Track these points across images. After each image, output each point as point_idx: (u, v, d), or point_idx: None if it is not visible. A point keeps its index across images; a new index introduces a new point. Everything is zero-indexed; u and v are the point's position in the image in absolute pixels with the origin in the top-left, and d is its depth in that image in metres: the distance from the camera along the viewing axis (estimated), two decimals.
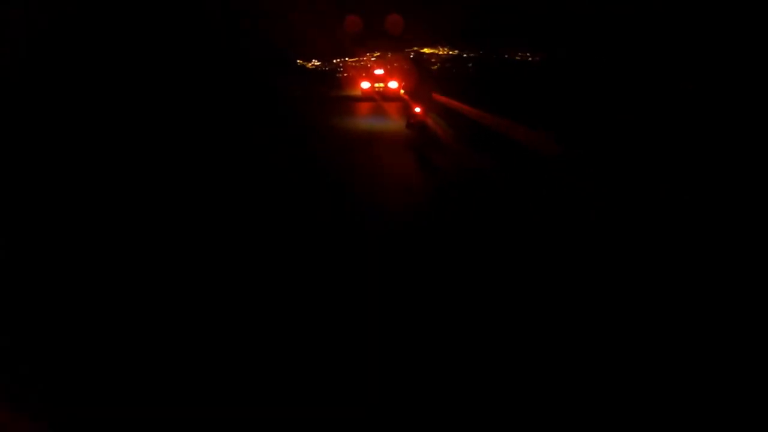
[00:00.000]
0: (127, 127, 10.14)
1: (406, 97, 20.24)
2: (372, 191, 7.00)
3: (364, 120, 16.27)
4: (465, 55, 43.64)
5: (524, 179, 7.31)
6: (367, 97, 22.56)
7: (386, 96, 21.88)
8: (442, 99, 19.01)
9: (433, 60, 43.47)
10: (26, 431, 2.24)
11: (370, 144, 11.08)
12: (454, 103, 17.47)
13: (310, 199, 6.58)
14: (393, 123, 11.89)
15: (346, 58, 37.98)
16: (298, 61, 34.32)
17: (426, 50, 43.20)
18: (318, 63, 36.46)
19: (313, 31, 33.90)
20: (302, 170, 7.91)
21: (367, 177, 7.78)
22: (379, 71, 25.89)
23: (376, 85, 23.34)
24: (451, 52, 43.36)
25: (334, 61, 37.42)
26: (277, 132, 11.76)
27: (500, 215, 5.84)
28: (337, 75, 33.77)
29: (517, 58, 43.89)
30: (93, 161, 7.55)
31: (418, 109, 9.48)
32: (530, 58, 43.46)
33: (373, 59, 41.07)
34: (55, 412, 2.34)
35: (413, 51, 41.92)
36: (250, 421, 2.37)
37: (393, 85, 23.04)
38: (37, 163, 7.19)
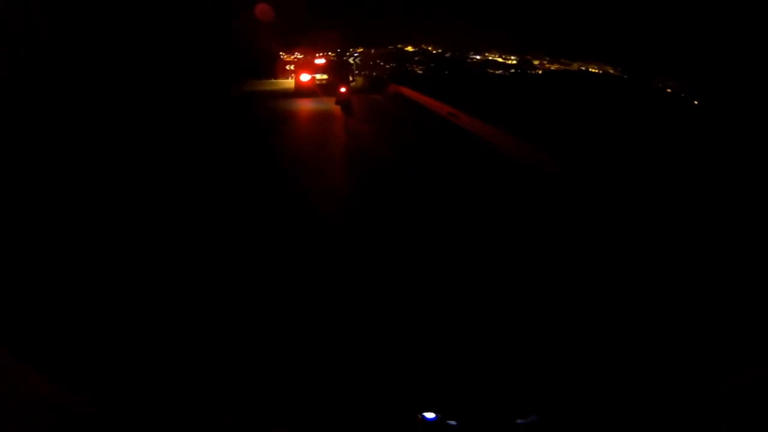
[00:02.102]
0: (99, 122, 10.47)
1: (318, 90, 18.78)
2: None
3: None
4: (448, 55, 44.66)
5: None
6: (307, 91, 19.20)
7: (328, 89, 17.86)
8: (402, 89, 19.05)
9: (416, 57, 44.38)
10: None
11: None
12: (411, 92, 18.03)
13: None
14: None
15: (329, 52, 38.22)
16: (281, 54, 34.64)
17: (409, 48, 43.95)
18: (300, 56, 36.66)
19: (306, 24, 34.26)
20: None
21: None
22: (320, 61, 21.95)
23: (318, 77, 20.03)
24: (433, 50, 44.32)
25: (318, 54, 37.60)
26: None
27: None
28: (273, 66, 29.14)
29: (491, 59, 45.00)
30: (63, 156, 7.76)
31: (343, 89, 11.80)
32: (504, 61, 44.68)
33: (356, 54, 41.59)
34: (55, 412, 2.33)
35: (395, 48, 42.63)
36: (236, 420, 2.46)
37: (305, 78, 20.02)
38: (22, 161, 7.39)
